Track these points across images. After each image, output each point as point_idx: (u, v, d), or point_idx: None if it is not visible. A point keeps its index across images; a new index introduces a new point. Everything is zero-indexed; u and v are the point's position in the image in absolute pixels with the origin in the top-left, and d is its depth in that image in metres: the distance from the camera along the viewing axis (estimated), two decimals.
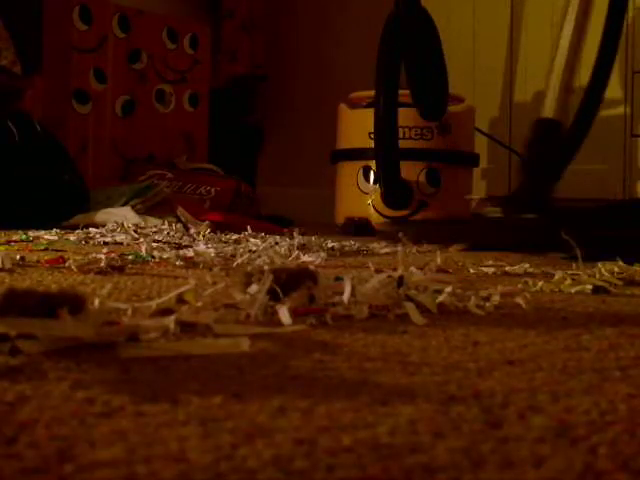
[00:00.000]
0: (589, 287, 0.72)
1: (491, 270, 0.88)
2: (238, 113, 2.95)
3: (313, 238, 1.21)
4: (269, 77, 3.04)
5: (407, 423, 0.29)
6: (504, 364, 0.40)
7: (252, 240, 1.17)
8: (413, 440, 0.27)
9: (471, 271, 0.88)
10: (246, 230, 1.30)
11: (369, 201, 1.95)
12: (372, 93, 1.85)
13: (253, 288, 0.54)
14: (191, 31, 2.50)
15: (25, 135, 1.72)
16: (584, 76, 1.56)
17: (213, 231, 1.36)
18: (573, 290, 0.72)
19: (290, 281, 0.53)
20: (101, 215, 1.61)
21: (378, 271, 0.64)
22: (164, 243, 1.16)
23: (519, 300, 0.60)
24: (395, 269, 0.62)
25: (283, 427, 0.28)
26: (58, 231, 1.38)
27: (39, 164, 1.71)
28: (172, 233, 1.31)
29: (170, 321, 0.45)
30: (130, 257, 0.89)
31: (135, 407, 0.30)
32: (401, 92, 1.81)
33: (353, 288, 0.55)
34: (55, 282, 0.69)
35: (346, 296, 0.55)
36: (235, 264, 0.85)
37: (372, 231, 1.91)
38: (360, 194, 1.97)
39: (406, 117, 1.87)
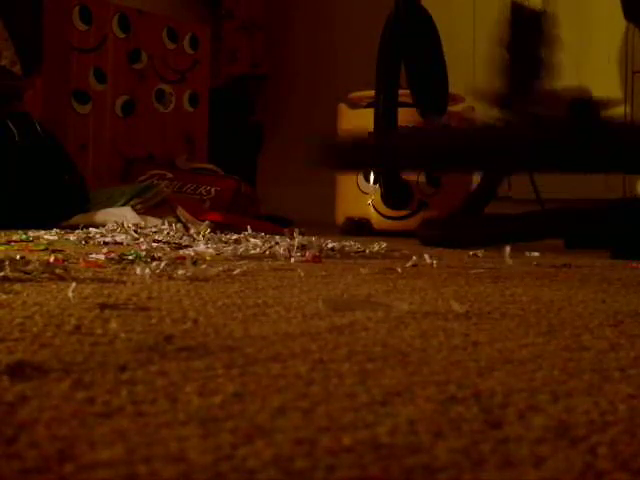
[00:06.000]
0: None
1: None
2: (238, 113, 2.95)
3: (313, 238, 1.21)
4: (269, 77, 3.04)
5: (407, 423, 0.29)
6: (504, 364, 0.40)
7: (252, 240, 1.17)
8: (413, 440, 0.27)
9: None
10: (246, 230, 1.30)
11: (369, 201, 1.95)
12: (372, 93, 1.85)
13: None
14: (191, 31, 2.50)
15: (25, 135, 1.72)
16: None
17: (213, 231, 1.36)
18: None
19: None
20: (101, 215, 1.61)
21: None
22: (164, 243, 1.16)
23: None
24: None
25: (283, 427, 0.28)
26: (58, 231, 1.39)
27: (39, 164, 1.71)
28: (172, 233, 1.30)
29: None
30: (130, 257, 0.89)
31: (135, 407, 0.30)
32: (401, 92, 1.82)
33: None
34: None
35: None
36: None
37: (372, 231, 1.91)
38: (360, 194, 1.97)
39: (406, 117, 1.87)
